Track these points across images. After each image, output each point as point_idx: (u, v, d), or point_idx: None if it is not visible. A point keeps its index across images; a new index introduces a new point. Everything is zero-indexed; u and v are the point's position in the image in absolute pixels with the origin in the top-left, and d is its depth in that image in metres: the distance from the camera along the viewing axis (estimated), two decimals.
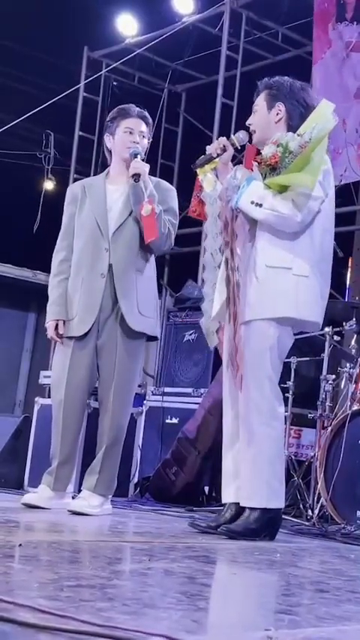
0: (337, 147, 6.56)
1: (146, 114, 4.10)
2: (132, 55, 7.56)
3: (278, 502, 3.40)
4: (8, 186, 8.22)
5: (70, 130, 8.27)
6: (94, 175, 7.65)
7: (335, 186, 3.61)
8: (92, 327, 3.91)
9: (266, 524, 3.36)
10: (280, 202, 3.37)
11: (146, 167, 3.94)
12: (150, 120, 4.13)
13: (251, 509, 3.35)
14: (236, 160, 4.17)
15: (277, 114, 3.56)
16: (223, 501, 3.51)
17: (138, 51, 7.53)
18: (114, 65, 7.69)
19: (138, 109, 4.09)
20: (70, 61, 8.03)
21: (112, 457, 3.90)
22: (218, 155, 3.55)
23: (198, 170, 3.57)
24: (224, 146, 3.54)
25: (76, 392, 3.91)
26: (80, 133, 8.22)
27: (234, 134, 3.62)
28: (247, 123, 3.63)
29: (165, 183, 4.13)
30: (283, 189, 3.39)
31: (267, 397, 3.39)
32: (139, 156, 3.95)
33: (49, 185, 9.14)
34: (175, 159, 8.56)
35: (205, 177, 3.55)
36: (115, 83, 8.41)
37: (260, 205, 3.37)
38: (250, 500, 3.36)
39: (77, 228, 4.04)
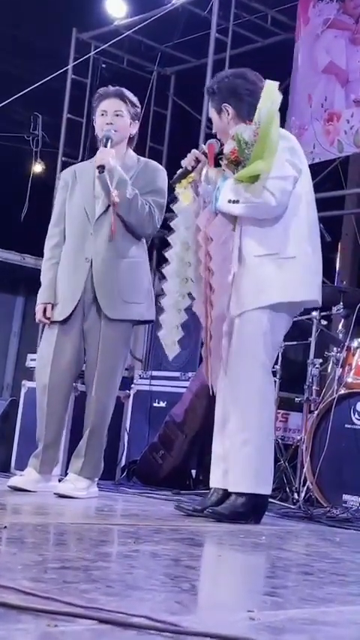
0: (303, 123, 6.41)
1: (124, 91, 4.03)
2: (121, 37, 7.49)
3: (266, 488, 3.41)
4: None
5: (58, 112, 8.21)
6: (81, 157, 7.67)
7: (312, 166, 3.58)
8: (76, 310, 3.89)
9: (253, 509, 3.37)
10: (253, 192, 3.36)
11: (111, 155, 3.85)
12: (130, 97, 4.03)
13: (238, 493, 3.36)
14: None
15: (227, 115, 3.56)
16: (211, 485, 3.51)
17: (127, 33, 7.46)
18: (103, 47, 7.63)
19: (115, 87, 4.04)
20: (58, 43, 7.95)
21: (96, 440, 3.90)
22: (193, 168, 3.54)
23: (176, 186, 3.57)
24: (197, 158, 3.54)
25: (61, 376, 3.90)
26: (68, 116, 8.16)
27: (204, 144, 3.60)
28: (213, 132, 3.65)
29: (153, 163, 4.10)
30: (254, 179, 3.37)
31: (259, 384, 3.40)
32: (109, 141, 3.89)
33: (37, 168, 9.08)
34: (164, 142, 8.50)
35: (184, 192, 3.55)
36: (103, 65, 8.34)
37: (237, 202, 3.37)
38: (238, 486, 3.37)
39: (68, 214, 4.02)
